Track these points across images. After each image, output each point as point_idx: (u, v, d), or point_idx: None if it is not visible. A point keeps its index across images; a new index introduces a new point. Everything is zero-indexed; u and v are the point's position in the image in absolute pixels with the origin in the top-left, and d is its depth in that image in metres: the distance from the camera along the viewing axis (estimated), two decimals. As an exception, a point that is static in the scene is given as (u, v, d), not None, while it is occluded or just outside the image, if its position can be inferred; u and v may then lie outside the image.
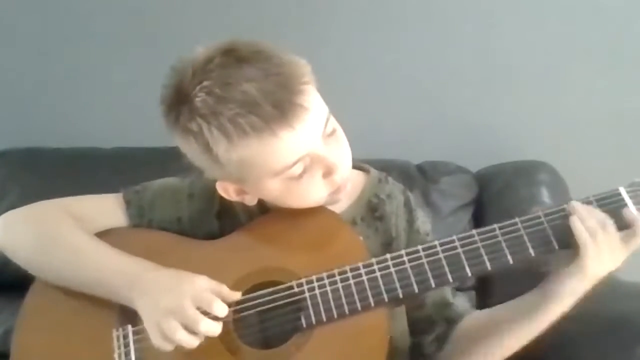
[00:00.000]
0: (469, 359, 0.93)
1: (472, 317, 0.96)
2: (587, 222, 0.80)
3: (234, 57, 0.80)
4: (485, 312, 0.96)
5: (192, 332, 0.80)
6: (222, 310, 0.81)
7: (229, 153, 0.80)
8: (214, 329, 0.81)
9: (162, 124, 0.85)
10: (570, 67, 1.65)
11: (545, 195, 1.50)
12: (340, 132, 0.87)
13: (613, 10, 1.60)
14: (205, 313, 0.81)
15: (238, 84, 0.78)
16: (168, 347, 0.81)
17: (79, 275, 0.89)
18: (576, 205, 0.82)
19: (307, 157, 0.82)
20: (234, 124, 0.77)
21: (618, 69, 1.63)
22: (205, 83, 0.78)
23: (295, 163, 0.81)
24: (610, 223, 0.80)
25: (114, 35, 1.75)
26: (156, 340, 0.81)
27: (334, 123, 0.86)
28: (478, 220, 1.57)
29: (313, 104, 0.81)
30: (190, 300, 0.80)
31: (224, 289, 0.84)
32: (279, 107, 0.77)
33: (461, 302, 0.99)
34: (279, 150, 0.79)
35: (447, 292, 0.98)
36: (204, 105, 0.78)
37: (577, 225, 0.80)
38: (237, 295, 0.85)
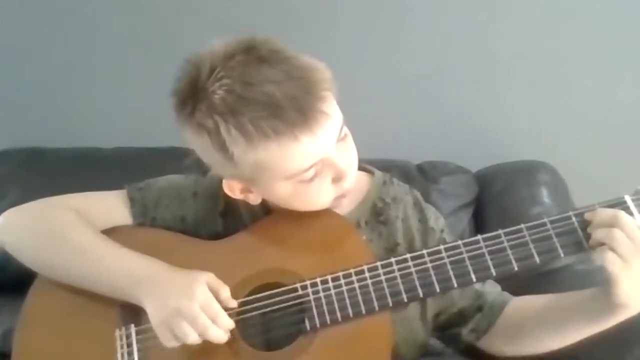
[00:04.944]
0: (518, 347, 0.93)
1: (519, 306, 0.95)
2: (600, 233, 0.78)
3: (255, 55, 0.79)
4: (536, 303, 0.94)
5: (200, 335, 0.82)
6: (226, 324, 0.82)
7: (246, 154, 0.80)
8: (222, 337, 0.82)
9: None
10: (570, 67, 1.66)
11: (545, 195, 1.51)
12: (350, 137, 0.88)
13: (613, 10, 1.60)
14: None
15: (260, 84, 0.77)
16: (176, 345, 0.82)
17: (84, 273, 0.89)
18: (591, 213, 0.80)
19: (320, 162, 0.82)
20: (255, 126, 0.77)
21: (618, 69, 1.64)
22: (225, 81, 0.78)
23: (309, 168, 0.82)
24: (622, 217, 0.77)
25: (115, 36, 1.75)
26: (166, 340, 0.82)
27: (345, 128, 0.86)
28: (478, 220, 1.58)
29: (333, 111, 0.81)
30: (199, 310, 0.81)
31: (223, 292, 0.84)
32: (302, 112, 0.77)
33: (491, 287, 0.97)
34: (296, 154, 0.79)
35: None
36: (223, 103, 0.78)
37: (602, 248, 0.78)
38: (233, 304, 0.85)
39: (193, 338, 0.81)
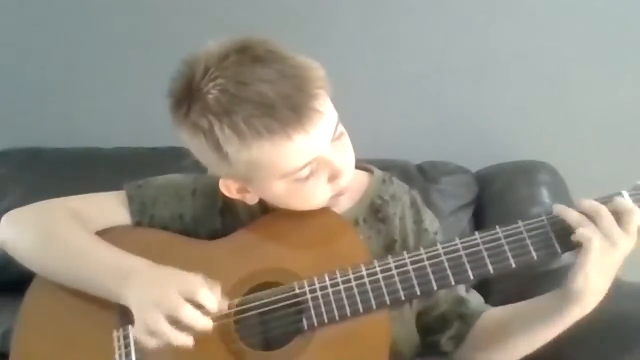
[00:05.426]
0: (487, 357, 0.93)
1: (491, 315, 0.95)
2: (572, 214, 0.80)
3: (249, 55, 0.80)
4: (505, 310, 0.95)
5: (176, 323, 0.79)
6: (208, 299, 0.79)
7: (239, 153, 0.80)
8: (199, 319, 0.79)
9: (167, 118, 0.84)
10: (570, 67, 1.66)
11: (545, 195, 1.51)
12: (346, 136, 0.88)
13: (613, 10, 1.60)
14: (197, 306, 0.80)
15: (253, 84, 0.78)
16: (151, 343, 0.80)
17: (75, 273, 0.89)
18: (558, 207, 0.81)
19: (315, 161, 0.82)
20: (248, 125, 0.77)
21: (618, 69, 1.64)
22: (219, 80, 0.78)
23: (304, 166, 0.82)
24: (604, 210, 0.78)
25: (115, 36, 1.75)
26: (139, 334, 0.80)
27: (341, 127, 0.86)
28: (478, 220, 1.57)
29: (327, 109, 0.81)
30: (175, 291, 0.79)
31: (216, 293, 0.82)
32: (295, 110, 0.77)
33: (474, 297, 0.98)
34: (290, 153, 0.80)
35: (461, 288, 0.97)
36: (217, 103, 0.78)
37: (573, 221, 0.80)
38: (225, 305, 0.83)
39: (163, 327, 0.78)
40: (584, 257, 0.78)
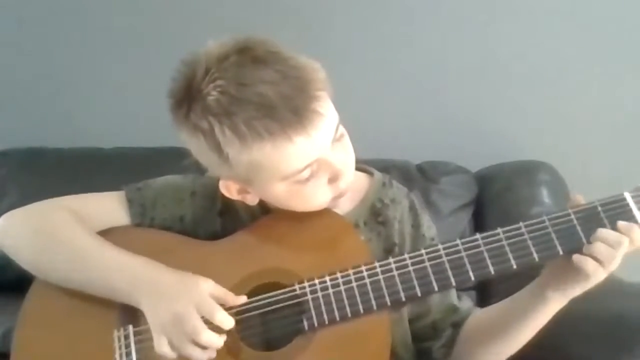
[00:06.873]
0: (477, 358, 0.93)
1: (474, 318, 0.96)
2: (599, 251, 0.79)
3: (250, 56, 0.79)
4: (485, 311, 0.96)
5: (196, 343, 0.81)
6: (225, 321, 0.81)
7: (240, 155, 0.80)
8: (215, 341, 0.81)
9: (167, 118, 0.84)
10: (571, 67, 1.65)
11: (545, 195, 1.50)
12: (346, 137, 0.88)
13: (613, 10, 1.60)
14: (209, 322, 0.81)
15: (254, 85, 0.77)
16: (172, 356, 0.81)
17: (82, 276, 0.89)
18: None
19: (315, 163, 0.82)
20: (248, 127, 0.77)
21: (618, 69, 1.64)
22: (219, 82, 0.78)
23: (304, 168, 0.82)
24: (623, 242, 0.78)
25: (115, 36, 1.75)
26: (162, 348, 0.81)
27: (341, 128, 0.86)
28: (478, 220, 1.57)
29: (328, 111, 0.81)
30: (194, 309, 0.81)
31: (229, 296, 0.84)
32: (296, 112, 0.77)
33: (466, 303, 0.98)
34: (291, 155, 0.79)
35: (453, 296, 0.97)
36: (217, 104, 0.78)
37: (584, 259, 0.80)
38: (242, 299, 0.85)
39: (191, 350, 0.80)
40: (574, 280, 0.81)
